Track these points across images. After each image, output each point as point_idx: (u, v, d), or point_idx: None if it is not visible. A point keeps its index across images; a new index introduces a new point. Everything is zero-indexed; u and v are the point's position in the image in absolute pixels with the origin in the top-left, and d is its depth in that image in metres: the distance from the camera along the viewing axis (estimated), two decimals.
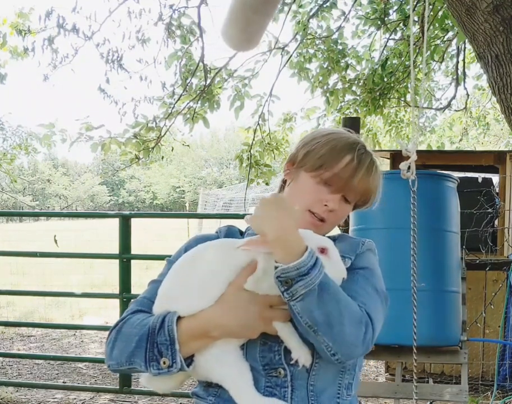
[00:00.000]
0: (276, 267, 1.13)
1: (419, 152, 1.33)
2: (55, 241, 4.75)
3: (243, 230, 1.44)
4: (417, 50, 6.18)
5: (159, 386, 1.27)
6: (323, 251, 1.21)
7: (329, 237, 1.36)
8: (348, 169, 1.31)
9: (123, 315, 1.30)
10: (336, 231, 1.50)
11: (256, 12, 1.23)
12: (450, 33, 6.46)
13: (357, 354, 1.19)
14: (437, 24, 6.18)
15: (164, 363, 1.17)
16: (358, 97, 6.70)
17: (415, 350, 1.35)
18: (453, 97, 7.62)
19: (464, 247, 3.64)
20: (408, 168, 1.35)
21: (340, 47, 6.63)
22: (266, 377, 1.22)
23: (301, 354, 1.20)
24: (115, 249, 4.37)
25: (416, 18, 5.83)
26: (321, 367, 1.24)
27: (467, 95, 8.09)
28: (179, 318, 1.19)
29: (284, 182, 1.42)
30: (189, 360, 1.19)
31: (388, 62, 6.69)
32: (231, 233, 1.42)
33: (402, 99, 7.01)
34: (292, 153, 1.40)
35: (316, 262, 1.13)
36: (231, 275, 1.21)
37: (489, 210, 4.49)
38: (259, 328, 1.19)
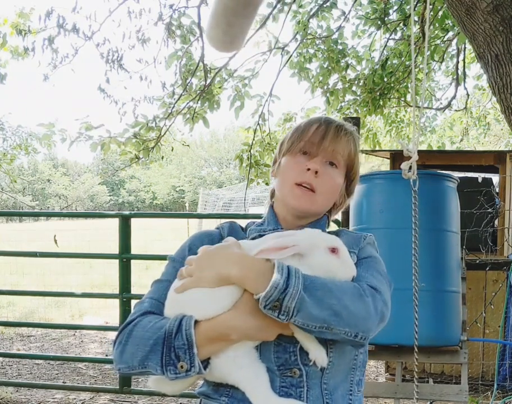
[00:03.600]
0: (258, 300, 1.13)
1: (419, 152, 1.33)
2: (55, 241, 4.75)
3: (244, 226, 1.44)
4: (417, 50, 6.18)
5: (169, 389, 1.26)
6: (333, 250, 1.21)
7: (329, 233, 1.37)
8: (318, 133, 1.35)
9: (131, 317, 1.27)
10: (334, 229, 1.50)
11: (237, 15, 1.23)
12: (450, 33, 6.46)
13: (374, 324, 1.19)
14: (437, 24, 6.17)
15: (182, 367, 1.15)
16: (358, 97, 6.70)
17: (416, 349, 1.35)
18: (454, 97, 7.62)
19: (464, 247, 3.64)
20: (410, 168, 1.35)
21: (340, 47, 6.63)
22: (281, 378, 1.22)
23: (318, 355, 1.21)
24: (115, 249, 4.37)
25: (416, 18, 5.83)
26: (334, 365, 1.24)
27: (468, 95, 8.09)
28: (195, 322, 1.18)
29: (274, 191, 1.44)
30: (205, 363, 1.19)
31: (388, 62, 6.69)
32: (233, 229, 1.41)
33: (402, 99, 7.01)
34: (275, 155, 1.44)
35: (289, 271, 1.14)
36: None
37: (489, 210, 4.49)
38: (276, 330, 1.19)
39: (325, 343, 1.22)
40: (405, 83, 6.82)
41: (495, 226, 4.98)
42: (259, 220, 1.43)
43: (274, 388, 1.20)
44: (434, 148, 9.01)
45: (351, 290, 1.18)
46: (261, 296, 1.12)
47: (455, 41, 6.59)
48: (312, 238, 1.21)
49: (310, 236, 1.22)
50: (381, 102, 6.68)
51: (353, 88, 6.71)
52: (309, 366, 1.22)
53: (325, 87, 6.76)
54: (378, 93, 6.54)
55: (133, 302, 4.32)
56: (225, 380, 1.22)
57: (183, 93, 6.29)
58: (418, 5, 5.78)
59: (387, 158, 5.55)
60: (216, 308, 1.18)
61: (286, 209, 1.37)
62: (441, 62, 7.15)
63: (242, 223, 1.46)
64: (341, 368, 1.26)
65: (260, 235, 1.33)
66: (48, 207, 43.55)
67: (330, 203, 1.39)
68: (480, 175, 5.38)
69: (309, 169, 1.31)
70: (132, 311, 1.30)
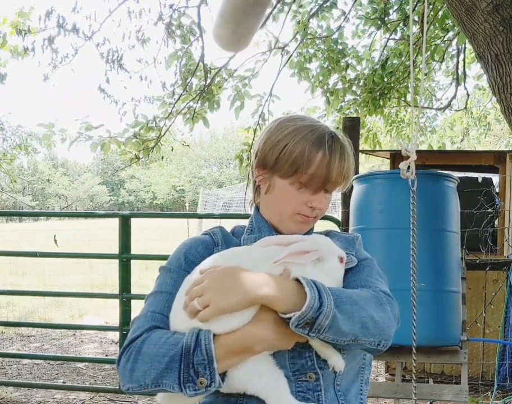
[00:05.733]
0: (287, 319, 1.11)
1: (419, 152, 1.33)
2: (55, 241, 4.75)
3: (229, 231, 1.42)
4: (417, 50, 6.18)
5: None
6: (341, 260, 1.26)
7: (319, 233, 1.38)
8: (322, 166, 1.27)
9: (136, 333, 1.21)
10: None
11: (245, 14, 1.23)
12: (450, 33, 6.46)
13: (394, 331, 1.22)
14: (437, 24, 6.18)
15: (201, 383, 1.11)
16: (358, 97, 6.70)
17: (414, 350, 1.36)
18: (454, 97, 7.62)
19: (464, 247, 3.64)
20: (408, 167, 1.35)
21: (340, 47, 6.64)
22: (296, 383, 1.21)
23: (337, 361, 1.21)
24: (115, 249, 4.37)
25: (416, 18, 5.83)
26: (346, 366, 1.24)
27: (468, 95, 8.10)
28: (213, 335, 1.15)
29: (258, 186, 1.38)
30: (221, 376, 1.15)
31: (388, 62, 6.70)
32: (226, 235, 1.38)
33: (403, 99, 7.01)
34: (259, 157, 1.33)
35: (318, 287, 1.13)
36: None
37: (489, 210, 4.49)
38: (295, 338, 1.18)
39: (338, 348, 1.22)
40: (405, 83, 6.82)
41: (495, 226, 4.98)
42: (245, 225, 1.40)
43: (291, 393, 1.19)
44: (435, 148, 9.01)
45: (372, 300, 1.20)
46: (295, 316, 1.10)
47: (455, 41, 6.60)
48: (329, 245, 1.25)
49: (326, 243, 1.25)
50: (381, 102, 6.69)
51: (353, 88, 6.71)
52: (324, 369, 1.22)
53: (325, 87, 6.76)
54: (378, 93, 6.54)
55: (133, 302, 4.31)
56: (244, 390, 1.19)
57: (183, 93, 6.30)
58: (418, 5, 5.78)
59: (387, 158, 5.55)
60: (239, 320, 1.16)
61: (277, 220, 1.35)
62: (441, 62, 7.15)
63: (243, 223, 1.44)
64: (352, 368, 1.27)
65: None
66: (48, 207, 43.59)
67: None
68: (480, 175, 5.38)
69: (312, 206, 1.30)
70: (133, 326, 1.24)
